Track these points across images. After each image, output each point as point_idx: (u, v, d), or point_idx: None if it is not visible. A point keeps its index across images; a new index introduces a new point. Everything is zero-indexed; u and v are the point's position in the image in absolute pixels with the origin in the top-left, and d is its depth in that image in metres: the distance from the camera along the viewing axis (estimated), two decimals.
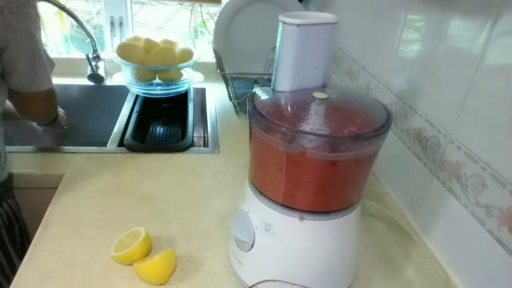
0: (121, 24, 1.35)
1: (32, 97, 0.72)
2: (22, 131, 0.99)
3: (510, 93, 0.50)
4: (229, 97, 1.17)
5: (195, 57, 1.13)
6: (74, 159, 0.83)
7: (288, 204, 0.49)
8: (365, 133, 0.44)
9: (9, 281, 0.55)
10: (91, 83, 1.26)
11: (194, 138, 1.05)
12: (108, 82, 1.28)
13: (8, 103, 0.74)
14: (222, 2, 1.30)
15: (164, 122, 1.31)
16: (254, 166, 0.53)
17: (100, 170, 0.80)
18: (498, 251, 0.52)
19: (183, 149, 0.91)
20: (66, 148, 0.87)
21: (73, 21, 1.18)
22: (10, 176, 0.76)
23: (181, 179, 0.81)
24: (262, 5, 1.16)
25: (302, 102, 0.50)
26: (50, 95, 0.76)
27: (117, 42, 1.33)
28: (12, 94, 0.71)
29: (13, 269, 0.57)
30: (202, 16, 1.47)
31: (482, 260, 0.55)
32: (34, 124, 0.96)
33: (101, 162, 0.83)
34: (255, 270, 0.55)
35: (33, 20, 0.65)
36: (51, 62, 0.73)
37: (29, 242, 0.62)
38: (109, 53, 1.38)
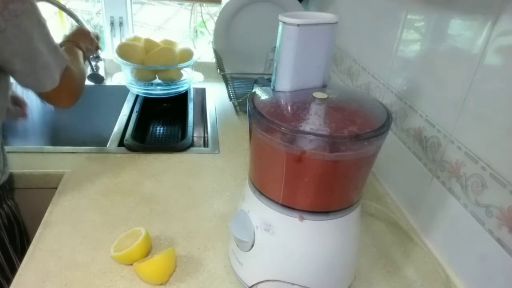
0: (121, 24, 1.35)
1: (49, 95, 0.67)
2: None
3: (510, 93, 0.50)
4: (229, 97, 1.17)
5: (195, 57, 1.13)
6: (74, 159, 0.83)
7: (288, 204, 0.49)
8: (365, 133, 0.44)
9: (9, 282, 0.55)
10: (91, 83, 1.25)
11: (194, 138, 1.05)
12: (108, 82, 1.28)
13: None
14: (222, 2, 1.30)
15: (164, 122, 1.31)
16: (254, 166, 0.53)
17: (100, 170, 0.80)
18: (498, 251, 0.52)
19: (183, 149, 0.91)
20: (66, 148, 0.87)
21: (73, 21, 1.18)
22: (10, 177, 0.76)
23: (181, 179, 0.81)
24: (262, 5, 1.16)
25: (302, 102, 0.50)
26: (67, 87, 0.69)
27: (117, 42, 1.33)
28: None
29: (13, 270, 0.56)
30: (202, 16, 1.47)
31: (482, 260, 0.55)
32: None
33: (101, 162, 0.83)
34: (255, 270, 0.55)
35: (27, 17, 0.58)
36: (60, 60, 0.67)
37: (28, 242, 0.61)
38: (109, 53, 1.38)
